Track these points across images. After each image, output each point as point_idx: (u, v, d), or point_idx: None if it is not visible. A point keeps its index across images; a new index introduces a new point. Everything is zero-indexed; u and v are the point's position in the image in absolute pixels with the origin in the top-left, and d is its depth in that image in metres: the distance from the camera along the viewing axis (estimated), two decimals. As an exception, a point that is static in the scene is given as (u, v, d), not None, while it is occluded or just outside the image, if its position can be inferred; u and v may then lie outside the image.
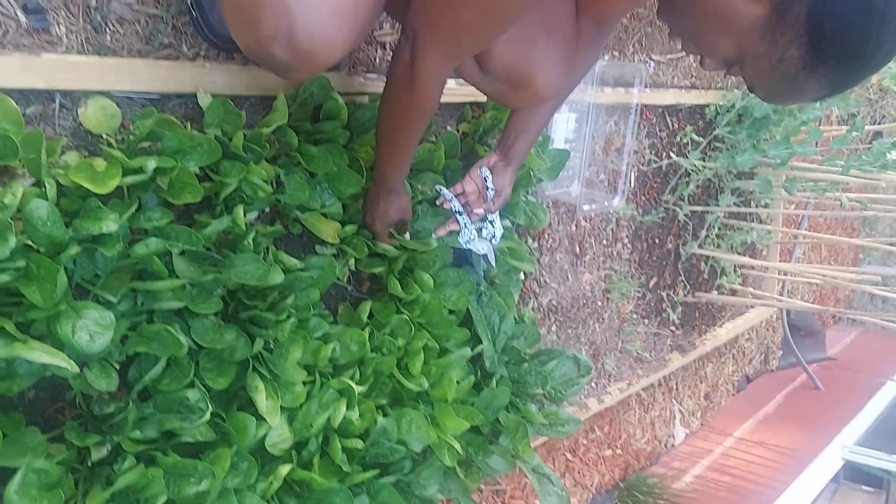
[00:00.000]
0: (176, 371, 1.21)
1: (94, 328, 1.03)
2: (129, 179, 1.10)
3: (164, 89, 1.28)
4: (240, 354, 1.26)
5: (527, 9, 1.06)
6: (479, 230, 1.63)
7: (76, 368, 1.01)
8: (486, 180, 1.58)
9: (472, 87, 1.38)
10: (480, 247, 1.63)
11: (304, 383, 1.40)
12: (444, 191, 1.59)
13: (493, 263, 1.70)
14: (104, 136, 1.21)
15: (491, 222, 1.63)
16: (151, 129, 1.16)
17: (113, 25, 1.28)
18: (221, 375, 1.26)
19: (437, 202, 1.60)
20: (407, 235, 1.60)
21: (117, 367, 1.19)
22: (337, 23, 1.03)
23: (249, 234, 1.29)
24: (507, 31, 1.25)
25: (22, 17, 1.16)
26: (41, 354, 0.99)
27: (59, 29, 1.22)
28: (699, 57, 1.11)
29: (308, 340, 1.36)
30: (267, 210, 1.48)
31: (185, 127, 1.28)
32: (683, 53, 2.83)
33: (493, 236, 1.65)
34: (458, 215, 1.59)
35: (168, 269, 1.23)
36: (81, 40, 1.24)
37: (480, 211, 1.61)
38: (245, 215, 1.35)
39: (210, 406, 1.19)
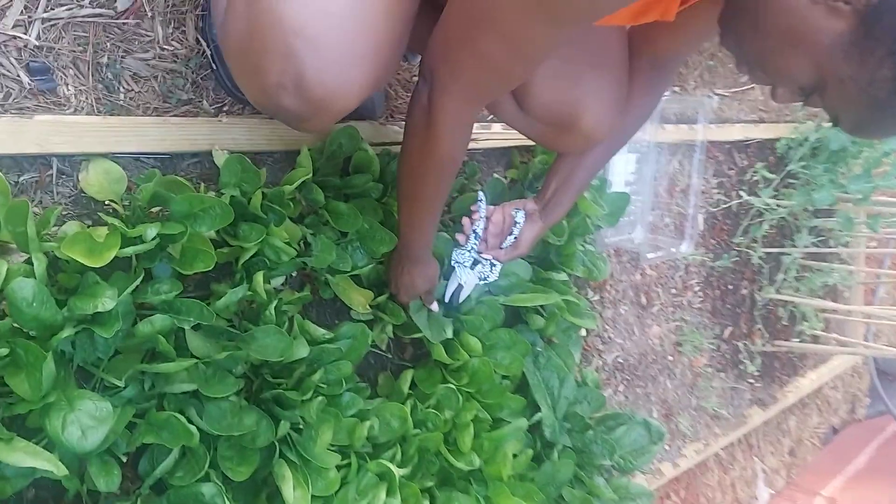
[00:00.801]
0: (190, 462, 1.07)
1: (87, 422, 0.89)
2: (130, 250, 0.98)
3: (175, 148, 1.17)
4: (263, 440, 1.12)
5: (559, 43, 0.90)
6: (475, 263, 1.45)
7: (64, 471, 0.88)
8: (514, 224, 1.40)
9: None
10: (465, 277, 1.45)
11: (339, 467, 1.24)
12: (483, 204, 1.41)
13: (458, 300, 1.50)
14: (107, 202, 1.09)
15: (492, 266, 1.44)
16: (156, 193, 1.04)
17: (127, 83, 1.18)
18: (242, 464, 1.11)
19: (472, 208, 1.42)
20: (434, 306, 1.43)
21: (125, 459, 1.06)
22: (352, 65, 0.89)
23: (271, 302, 1.15)
24: (547, 67, 1.11)
25: (25, 79, 1.07)
26: (23, 456, 0.85)
27: (67, 89, 1.12)
28: (770, 88, 0.93)
29: (340, 419, 1.20)
30: (294, 274, 1.34)
31: (201, 188, 1.16)
32: (749, 85, 2.64)
33: (484, 279, 1.46)
34: (473, 232, 1.41)
35: (182, 346, 1.10)
36: (92, 100, 1.14)
37: (487, 256, 1.43)
38: (269, 282, 1.22)
39: (228, 501, 1.04)
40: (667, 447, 2.49)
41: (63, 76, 1.11)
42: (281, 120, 0.95)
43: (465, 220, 1.40)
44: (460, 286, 1.46)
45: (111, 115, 1.14)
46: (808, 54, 0.82)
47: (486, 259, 1.41)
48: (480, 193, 1.40)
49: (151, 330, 1.00)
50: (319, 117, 0.92)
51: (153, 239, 0.98)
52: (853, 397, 3.90)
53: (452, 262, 1.43)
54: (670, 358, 2.44)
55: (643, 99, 1.29)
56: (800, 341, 3.05)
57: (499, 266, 1.44)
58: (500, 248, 1.42)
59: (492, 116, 1.73)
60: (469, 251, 1.41)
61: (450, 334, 1.42)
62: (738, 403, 2.83)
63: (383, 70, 0.93)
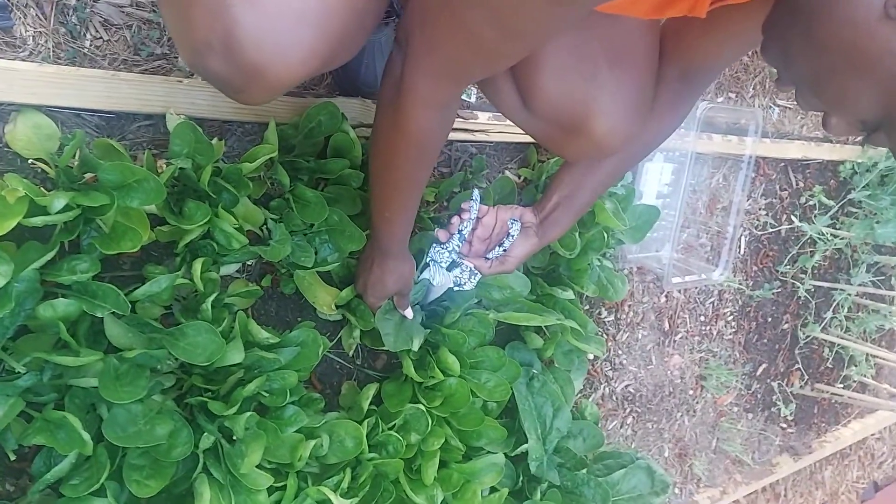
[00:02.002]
0: (90, 469, 0.97)
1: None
2: (38, 220, 0.87)
3: (122, 108, 1.06)
4: (180, 452, 1.01)
5: (558, 26, 0.76)
6: (453, 265, 1.31)
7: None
8: (507, 236, 1.28)
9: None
10: (438, 277, 1.32)
11: (274, 489, 1.13)
12: (476, 203, 1.28)
13: (426, 301, 1.38)
14: (33, 161, 0.99)
15: (472, 274, 1.31)
16: (84, 157, 0.93)
17: (95, 29, 1.09)
18: (154, 477, 1.00)
19: (464, 205, 1.29)
20: (408, 312, 1.31)
21: (12, 456, 0.96)
22: (295, 28, 0.76)
23: (210, 295, 1.04)
24: (558, 59, 0.97)
25: (-22, 15, 0.97)
26: None
27: (25, 30, 1.03)
28: (822, 115, 0.77)
29: (279, 435, 1.09)
30: (252, 263, 1.23)
31: (144, 156, 1.05)
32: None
33: (459, 285, 1.33)
34: (459, 232, 1.28)
35: (101, 334, 1.00)
36: (51, 45, 1.05)
37: (469, 263, 1.30)
38: (217, 270, 1.11)
39: (125, 521, 0.94)
40: (678, 490, 2.34)
41: (22, 16, 1.02)
42: (216, 87, 0.83)
43: (455, 219, 1.27)
44: (430, 286, 1.33)
45: (71, 64, 1.05)
46: (876, 81, 0.66)
47: (466, 265, 1.28)
48: (475, 191, 1.27)
49: (53, 315, 0.90)
50: (254, 88, 0.79)
51: (63, 210, 0.87)
52: (902, 452, 3.70)
53: (427, 259, 1.30)
54: (691, 392, 2.28)
55: (666, 114, 1.15)
56: (845, 387, 2.87)
57: (478, 276, 1.31)
58: (486, 258, 1.29)
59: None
60: (450, 251, 1.28)
61: (416, 346, 1.29)
62: (765, 449, 2.66)
63: (337, 40, 0.79)
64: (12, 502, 0.99)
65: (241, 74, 0.77)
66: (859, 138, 2.62)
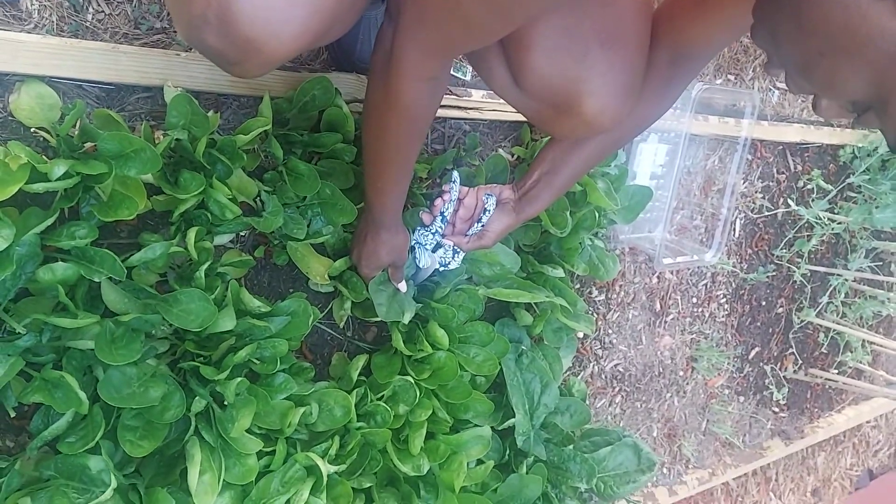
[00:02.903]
0: (85, 428, 1.03)
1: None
2: (39, 186, 0.93)
3: (122, 79, 1.11)
4: (172, 414, 1.07)
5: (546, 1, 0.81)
6: (438, 246, 1.37)
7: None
8: (485, 212, 1.32)
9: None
10: (424, 259, 1.38)
11: (264, 454, 1.19)
12: (457, 185, 1.33)
13: (415, 282, 1.44)
14: (35, 129, 1.05)
15: (455, 252, 1.36)
16: (84, 127, 0.99)
17: (97, 4, 1.14)
18: (147, 437, 1.07)
19: (443, 187, 1.34)
20: (402, 285, 1.36)
21: (12, 413, 1.02)
22: (290, 5, 0.81)
23: (203, 263, 1.10)
24: (549, 37, 1.02)
25: (-16, -13, 1.02)
26: None
27: (31, 4, 1.08)
28: (812, 98, 0.77)
29: (268, 401, 1.15)
30: (245, 234, 1.29)
31: (142, 127, 1.11)
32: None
33: (445, 265, 1.39)
34: (441, 214, 1.33)
35: (98, 298, 1.06)
36: (55, 18, 1.10)
37: (450, 241, 1.35)
38: (211, 239, 1.17)
39: (116, 480, 1.00)
40: (665, 470, 2.40)
41: (28, -11, 1.07)
42: (211, 60, 0.88)
43: (437, 200, 1.32)
44: (418, 269, 1.39)
45: (74, 37, 1.10)
46: (867, 62, 0.68)
47: (448, 245, 1.34)
48: (455, 173, 1.32)
49: (52, 278, 0.96)
50: (248, 61, 0.84)
51: (62, 177, 0.93)
52: (898, 440, 3.76)
53: (413, 242, 1.36)
54: (681, 374, 2.34)
55: (654, 98, 1.18)
56: (839, 373, 2.92)
57: (462, 254, 1.36)
58: (466, 235, 1.34)
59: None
60: (433, 233, 1.34)
61: (407, 319, 1.35)
62: (756, 433, 2.73)
63: (330, 15, 0.84)
64: (12, 457, 1.05)
65: (236, 48, 0.82)
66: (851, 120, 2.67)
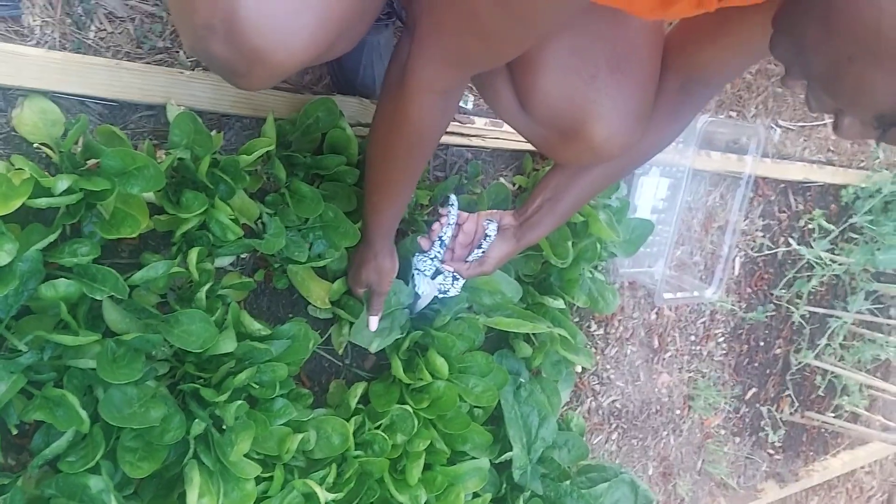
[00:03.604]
0: (86, 448, 1.03)
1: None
2: (42, 201, 0.94)
3: (125, 96, 1.13)
4: (172, 436, 1.07)
5: (563, 15, 0.82)
6: (437, 273, 1.38)
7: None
8: (486, 237, 1.33)
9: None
10: (423, 287, 1.39)
11: (261, 480, 1.20)
12: (454, 209, 1.34)
13: (414, 311, 1.45)
14: (38, 145, 1.06)
15: (454, 279, 1.37)
16: (88, 143, 1.00)
17: (100, 22, 1.16)
18: (146, 459, 1.07)
19: (441, 210, 1.35)
20: (373, 321, 1.35)
21: (15, 431, 1.03)
22: (297, 12, 0.81)
23: (204, 284, 1.11)
24: (557, 59, 1.04)
25: (-13, 2, 1.04)
26: None
27: (33, 20, 1.10)
28: (834, 117, 0.75)
29: (267, 426, 1.15)
30: (246, 256, 1.30)
31: (144, 145, 1.12)
32: (821, 121, 2.54)
33: (444, 292, 1.40)
34: (439, 239, 1.34)
35: (99, 318, 1.07)
36: (57, 35, 1.12)
37: (450, 268, 1.36)
38: (212, 261, 1.18)
39: (116, 500, 1.00)
40: (660, 511, 2.41)
41: (30, 5, 1.08)
42: (215, 72, 0.89)
43: (435, 225, 1.34)
44: (417, 296, 1.40)
45: (76, 53, 1.12)
46: None
47: (448, 271, 1.35)
48: (452, 197, 1.33)
49: (55, 295, 0.96)
50: (255, 73, 0.84)
51: (66, 191, 0.94)
52: (892, 487, 3.75)
53: (413, 270, 1.38)
54: (678, 412, 2.36)
55: (662, 126, 1.18)
56: (836, 416, 2.93)
57: (461, 281, 1.37)
58: (465, 262, 1.35)
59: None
60: (432, 259, 1.35)
61: (374, 348, 1.36)
62: (751, 474, 2.73)
63: (338, 27, 0.85)
64: (14, 475, 1.05)
65: (243, 58, 0.82)
66: (864, 164, 2.72)
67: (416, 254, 1.37)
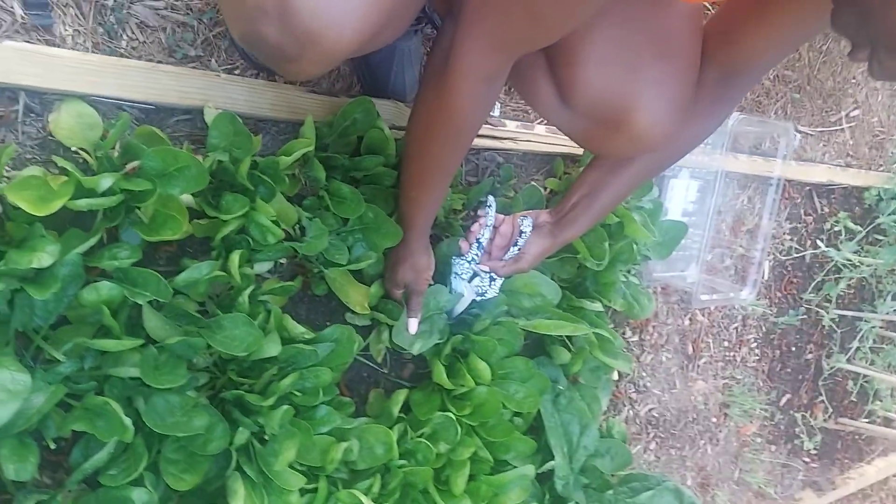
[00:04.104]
0: (127, 460, 0.99)
1: (-4, 394, 0.81)
2: (84, 202, 0.90)
3: (162, 99, 1.10)
4: (215, 446, 1.03)
5: None
6: (474, 275, 1.34)
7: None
8: (521, 234, 1.30)
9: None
10: (461, 289, 1.35)
11: (304, 491, 1.15)
12: (492, 210, 1.31)
13: (453, 315, 1.40)
14: (76, 149, 1.02)
15: (491, 280, 1.34)
16: (128, 143, 0.97)
17: (132, 31, 1.13)
18: (188, 471, 1.02)
19: (479, 212, 1.33)
20: (412, 325, 1.30)
21: (53, 445, 0.98)
22: None
23: (246, 288, 1.07)
24: (598, 51, 1.01)
25: (19, 11, 1.02)
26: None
27: (65, 29, 1.07)
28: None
29: (311, 435, 1.11)
30: (284, 262, 1.26)
31: (183, 148, 1.09)
32: (839, 126, 2.50)
33: (482, 294, 1.36)
34: (477, 241, 1.31)
35: (138, 325, 1.03)
36: (89, 44, 1.09)
37: (486, 267, 1.32)
38: (251, 265, 1.14)
39: (161, 514, 0.95)
40: (700, 522, 2.33)
41: (62, 14, 1.06)
42: (264, 60, 0.86)
43: (474, 227, 1.31)
44: (455, 300, 1.36)
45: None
46: None
47: (485, 272, 1.31)
48: (490, 198, 1.31)
49: (97, 299, 0.92)
50: (307, 57, 0.81)
51: (109, 191, 0.90)
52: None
53: (451, 273, 1.34)
54: (714, 420, 2.29)
55: (702, 118, 1.16)
56: (869, 422, 2.87)
57: (499, 281, 1.34)
58: (502, 260, 1.32)
59: (535, 115, 1.63)
60: (469, 262, 1.31)
61: (416, 350, 1.31)
62: (788, 483, 2.66)
63: (389, 10, 0.82)
64: (51, 493, 1.00)
65: (295, 41, 0.79)
66: (883, 167, 2.67)
67: (454, 257, 1.34)
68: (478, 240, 1.30)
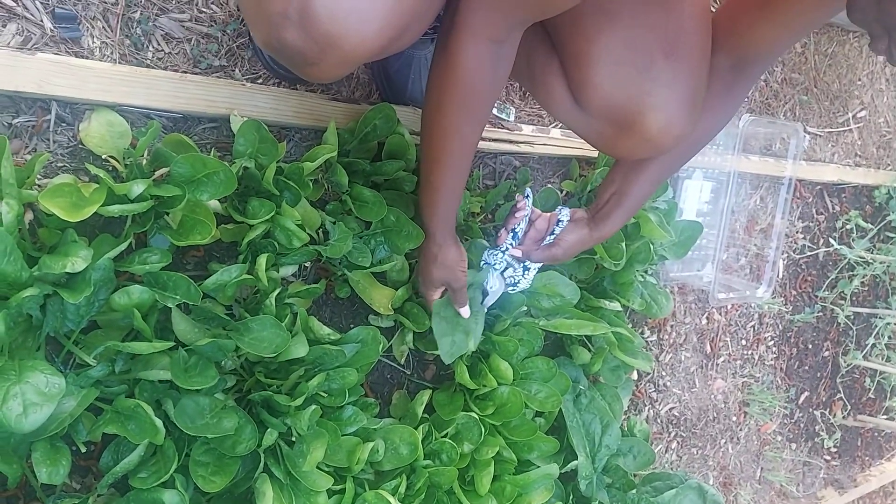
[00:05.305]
0: (157, 462, 0.98)
1: (32, 398, 0.80)
2: (116, 208, 0.90)
3: (189, 108, 1.10)
4: (244, 448, 1.02)
5: None
6: (507, 267, 1.31)
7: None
8: (558, 223, 1.27)
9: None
10: (492, 281, 1.32)
11: (332, 492, 1.13)
12: (529, 201, 1.29)
13: (486, 305, 1.36)
14: (106, 157, 1.02)
15: (525, 269, 1.31)
16: (157, 151, 0.96)
17: (157, 42, 1.14)
18: (218, 474, 1.01)
19: (518, 200, 1.30)
20: (465, 310, 1.27)
21: (84, 449, 0.97)
22: (371, 2, 0.79)
23: (273, 290, 1.06)
24: (610, 51, 1.00)
25: (48, 24, 1.03)
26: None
27: (93, 41, 1.08)
28: None
29: (338, 436, 1.09)
30: (308, 266, 1.25)
31: (210, 155, 1.08)
32: (846, 127, 2.48)
33: (514, 285, 1.33)
34: (511, 232, 1.28)
35: (168, 329, 1.02)
36: (116, 56, 1.10)
37: (518, 253, 1.29)
38: (277, 269, 1.13)
39: (193, 515, 0.94)
40: (722, 521, 2.30)
41: (90, 27, 1.07)
42: (287, 64, 0.86)
43: (514, 217, 1.28)
44: (486, 292, 1.33)
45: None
46: None
47: (518, 262, 1.29)
48: (528, 190, 1.29)
49: (128, 302, 0.92)
50: (328, 60, 0.82)
51: (140, 197, 0.90)
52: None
53: (482, 263, 1.31)
54: (734, 419, 2.26)
55: (717, 108, 1.15)
56: (888, 419, 2.82)
57: (532, 271, 1.31)
58: (534, 247, 1.29)
59: (551, 119, 1.63)
60: (503, 252, 1.29)
61: (471, 347, 1.29)
62: (810, 481, 2.62)
63: (409, 14, 0.83)
64: (81, 498, 0.99)
65: (316, 45, 0.80)
66: (891, 166, 2.64)
67: (488, 248, 1.31)
68: (513, 230, 1.28)
